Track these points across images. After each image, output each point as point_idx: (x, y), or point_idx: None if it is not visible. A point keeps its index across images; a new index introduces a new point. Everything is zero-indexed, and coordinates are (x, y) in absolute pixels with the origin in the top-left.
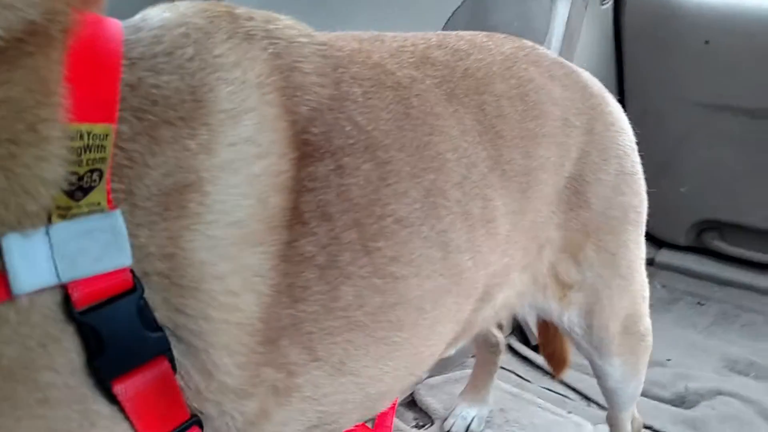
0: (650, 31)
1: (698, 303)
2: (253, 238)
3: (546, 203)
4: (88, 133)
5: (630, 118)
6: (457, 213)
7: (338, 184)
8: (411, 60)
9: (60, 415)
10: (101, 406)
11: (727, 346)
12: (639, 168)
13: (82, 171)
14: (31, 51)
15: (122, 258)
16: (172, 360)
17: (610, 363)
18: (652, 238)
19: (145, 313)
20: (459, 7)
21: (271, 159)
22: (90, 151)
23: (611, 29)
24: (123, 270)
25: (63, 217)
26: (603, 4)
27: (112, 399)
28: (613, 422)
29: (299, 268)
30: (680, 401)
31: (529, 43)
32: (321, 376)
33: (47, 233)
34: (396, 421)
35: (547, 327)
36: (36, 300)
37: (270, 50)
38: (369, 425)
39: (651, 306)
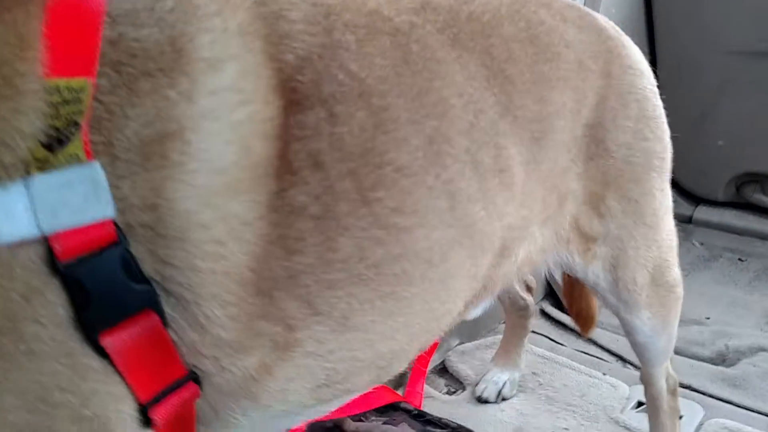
0: None
1: (738, 259)
2: (238, 186)
3: (564, 152)
4: (66, 87)
5: (663, 70)
6: (466, 161)
7: (330, 133)
8: (410, 6)
9: (47, 369)
10: (90, 360)
11: None
12: (661, 112)
13: (59, 124)
14: (8, 6)
15: (104, 209)
16: (162, 314)
17: (639, 316)
18: (689, 195)
19: (130, 265)
20: None
21: (254, 106)
22: (67, 105)
23: None
24: (106, 222)
25: (41, 169)
26: None
27: (102, 353)
28: (647, 380)
29: (291, 218)
30: (720, 359)
31: None
32: (324, 332)
33: (26, 185)
34: (427, 387)
35: (572, 285)
36: (18, 252)
37: None
38: (400, 392)
39: (690, 264)
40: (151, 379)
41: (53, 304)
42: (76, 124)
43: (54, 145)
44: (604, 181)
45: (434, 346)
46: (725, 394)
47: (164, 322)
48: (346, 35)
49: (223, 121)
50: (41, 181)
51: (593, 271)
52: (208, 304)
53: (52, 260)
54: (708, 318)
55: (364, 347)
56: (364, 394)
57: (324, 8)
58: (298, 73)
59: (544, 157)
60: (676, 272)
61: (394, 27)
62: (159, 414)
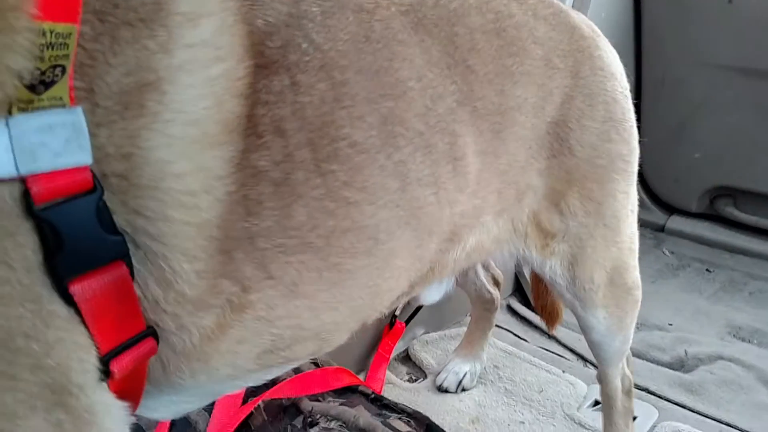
0: None
1: (706, 270)
2: (211, 139)
3: (524, 147)
4: (51, 31)
5: (647, 80)
6: (419, 145)
7: (292, 101)
8: None
9: (12, 313)
10: (57, 306)
11: (733, 312)
12: (631, 116)
13: (44, 66)
14: None
15: (83, 155)
16: (130, 267)
17: (594, 315)
18: (663, 204)
19: (104, 214)
20: None
21: (228, 63)
22: (52, 48)
23: None
24: (83, 169)
25: (23, 110)
26: None
27: (69, 300)
28: (602, 379)
29: (253, 180)
30: (679, 365)
31: None
32: (275, 296)
33: (7, 125)
34: (388, 374)
35: (539, 280)
36: None
37: None
38: (361, 376)
39: (658, 271)
40: (114, 331)
41: (24, 246)
42: (63, 68)
43: (38, 87)
44: (567, 179)
45: (399, 333)
46: (681, 399)
47: (132, 274)
48: (312, 6)
49: (199, 74)
50: (23, 120)
51: (550, 267)
52: (177, 257)
53: (27, 202)
54: (671, 324)
55: (310, 316)
56: (324, 375)
57: None
58: (267, 38)
59: (504, 150)
60: (635, 275)
61: (358, 4)
62: (117, 367)
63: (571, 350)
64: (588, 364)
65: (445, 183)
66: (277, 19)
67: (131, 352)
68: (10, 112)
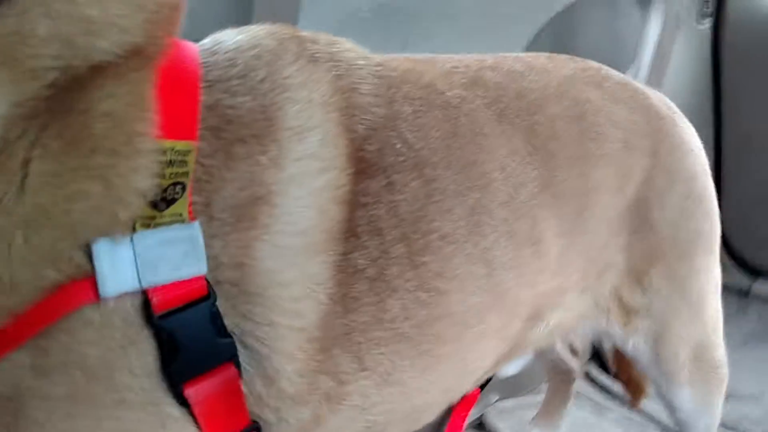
0: (754, 52)
1: None
2: (316, 247)
3: (606, 226)
4: (172, 149)
5: (728, 144)
6: (503, 231)
7: (389, 200)
8: (462, 81)
9: (135, 417)
10: (172, 409)
11: None
12: (711, 191)
13: (165, 184)
14: (134, 68)
15: (199, 266)
16: (238, 366)
17: (680, 393)
18: (748, 268)
19: (217, 319)
20: (542, 28)
21: (332, 173)
22: (173, 166)
23: (709, 50)
24: (199, 278)
25: (147, 226)
26: (701, 24)
27: (183, 402)
28: None
29: (352, 279)
30: None
31: (595, 65)
32: (369, 386)
33: (132, 240)
34: None
35: (622, 353)
36: (118, 304)
37: (333, 72)
38: None
39: (744, 337)
40: (223, 427)
41: (145, 354)
42: (183, 185)
43: (160, 204)
44: (649, 256)
45: (473, 401)
46: None
47: (240, 374)
48: (405, 107)
49: (307, 186)
50: (146, 236)
51: (633, 344)
52: (279, 358)
53: (147, 312)
54: (764, 393)
55: (402, 400)
56: None
57: (387, 80)
58: (366, 143)
59: (585, 230)
60: (720, 352)
61: (445, 101)
62: None
63: (656, 421)
64: None
65: (527, 266)
66: (374, 122)
67: None
68: (134, 229)
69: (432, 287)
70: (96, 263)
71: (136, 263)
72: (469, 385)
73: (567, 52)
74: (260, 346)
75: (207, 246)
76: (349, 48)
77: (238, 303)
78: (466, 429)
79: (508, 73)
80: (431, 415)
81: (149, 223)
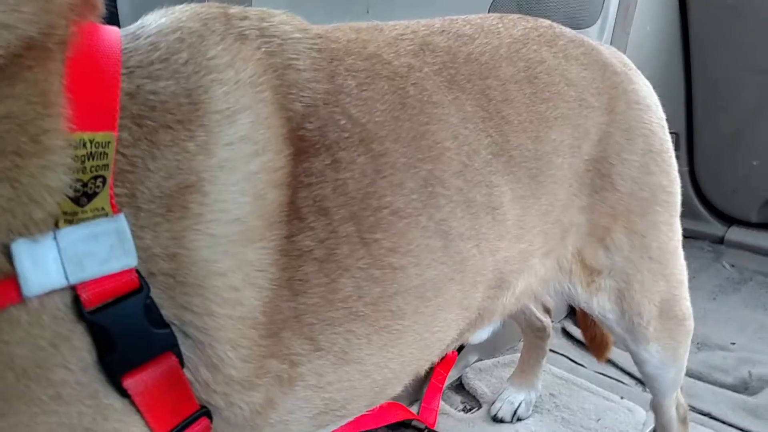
0: None
1: None
2: (253, 234)
3: (564, 187)
4: (91, 141)
5: (698, 88)
6: (458, 201)
7: (334, 179)
8: (410, 48)
9: (74, 411)
10: (113, 400)
11: None
12: (669, 146)
13: (86, 178)
14: (29, 65)
15: (128, 259)
16: (179, 355)
17: (647, 349)
18: (721, 215)
19: (151, 310)
20: None
21: (267, 156)
22: (93, 159)
23: None
24: (129, 270)
25: (70, 222)
26: None
27: (123, 393)
28: (656, 409)
29: (298, 262)
30: (743, 387)
31: (546, 23)
32: (324, 365)
33: (55, 238)
34: (442, 404)
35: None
36: (46, 302)
37: (263, 49)
38: (415, 407)
39: (718, 287)
40: (169, 415)
41: (79, 349)
42: (103, 178)
43: (81, 199)
44: (611, 214)
45: (451, 362)
46: (745, 424)
47: (181, 362)
48: (348, 80)
49: (239, 172)
50: (69, 233)
51: (598, 303)
52: (222, 347)
53: (78, 307)
54: (734, 343)
55: (361, 377)
56: (378, 410)
57: (328, 53)
58: (305, 121)
59: (543, 192)
60: (685, 306)
61: (392, 71)
62: None
63: (629, 374)
64: (646, 389)
65: (486, 233)
66: (314, 99)
67: None
68: (57, 225)
69: (385, 264)
70: (16, 263)
71: (62, 260)
72: (433, 356)
73: (532, 8)
74: (201, 335)
75: (137, 238)
76: (284, 20)
77: (176, 294)
78: (446, 390)
79: (457, 36)
80: (395, 388)
81: (71, 219)
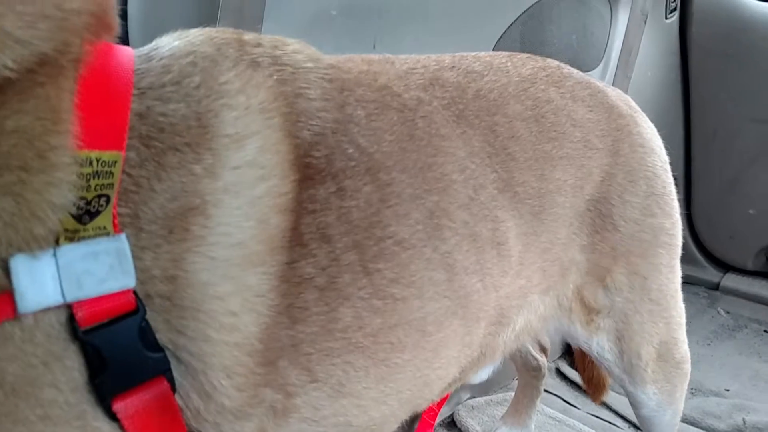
0: (719, 45)
1: (764, 331)
2: (254, 258)
3: (565, 225)
4: (97, 160)
5: (697, 137)
6: (464, 234)
7: (338, 207)
8: (419, 82)
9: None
10: (101, 423)
11: None
12: (671, 189)
13: (90, 196)
14: (42, 81)
15: (126, 280)
16: (171, 380)
17: (644, 391)
18: (717, 262)
19: (146, 333)
20: (512, 23)
21: (273, 181)
22: (98, 177)
23: (677, 43)
24: (126, 291)
25: (70, 239)
26: (668, 18)
27: (112, 417)
28: None
29: (298, 289)
30: None
31: (555, 63)
32: (320, 398)
33: (54, 255)
34: None
35: (584, 351)
36: (41, 319)
37: (275, 77)
38: None
39: (713, 333)
40: None
41: (71, 369)
42: (107, 197)
43: (84, 217)
44: (612, 254)
45: (444, 399)
46: None
47: (173, 388)
48: (357, 110)
49: (244, 196)
50: (69, 250)
51: (597, 343)
52: (216, 374)
53: (72, 326)
54: (728, 390)
55: (358, 413)
56: None
57: (338, 83)
58: (313, 149)
59: (544, 230)
60: (683, 349)
61: (402, 103)
62: None
63: (623, 417)
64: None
65: (491, 268)
66: (323, 127)
67: None
68: (57, 242)
69: (387, 294)
70: (13, 279)
71: (59, 277)
72: (433, 395)
73: (536, 49)
74: (195, 361)
75: (137, 258)
76: (297, 50)
77: (172, 317)
78: (437, 427)
79: (466, 73)
80: (390, 427)
81: (72, 236)
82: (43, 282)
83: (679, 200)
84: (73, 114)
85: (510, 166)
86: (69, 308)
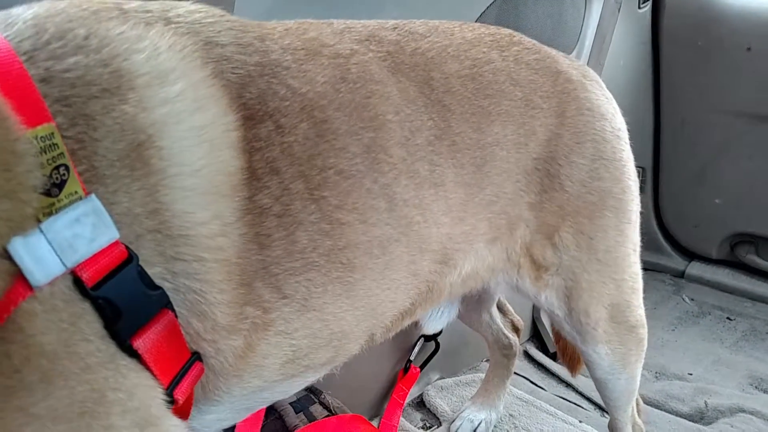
0: (690, 37)
1: (727, 318)
2: (218, 189)
3: (511, 181)
4: (37, 137)
5: (666, 127)
6: (402, 170)
7: (281, 142)
8: (355, 37)
9: (100, 377)
10: (127, 361)
11: (755, 363)
12: (623, 155)
13: (48, 171)
14: None
15: (111, 232)
16: (173, 310)
17: (596, 350)
18: (683, 250)
19: (144, 275)
20: (488, 7)
21: (211, 112)
22: (47, 152)
23: (649, 34)
24: (115, 243)
25: (49, 214)
26: (641, 8)
27: (133, 353)
28: (613, 426)
29: (261, 218)
30: (699, 416)
31: (507, 32)
32: (290, 312)
33: (41, 231)
34: (402, 420)
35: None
36: (53, 290)
37: (174, 28)
38: (375, 422)
39: (678, 319)
40: (170, 365)
41: (93, 321)
42: (65, 166)
43: (53, 190)
44: (559, 213)
45: (413, 379)
46: None
47: (176, 316)
48: (285, 56)
49: (185, 124)
50: (53, 223)
51: (546, 298)
52: (211, 289)
53: (82, 287)
54: (691, 374)
55: (321, 327)
56: (338, 423)
57: (258, 34)
58: (245, 90)
59: (488, 183)
60: (638, 314)
61: (334, 51)
62: (179, 394)
63: (588, 399)
64: (605, 414)
65: (430, 204)
66: (247, 70)
67: (187, 378)
68: (39, 220)
69: (334, 219)
70: (18, 261)
71: (54, 249)
72: (385, 317)
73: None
74: (193, 282)
75: (115, 204)
76: (192, 10)
77: (166, 247)
78: (407, 407)
79: (408, 33)
80: (351, 346)
81: (50, 210)
82: (42, 257)
83: (646, 190)
84: (6, 104)
85: (446, 116)
86: (72, 273)
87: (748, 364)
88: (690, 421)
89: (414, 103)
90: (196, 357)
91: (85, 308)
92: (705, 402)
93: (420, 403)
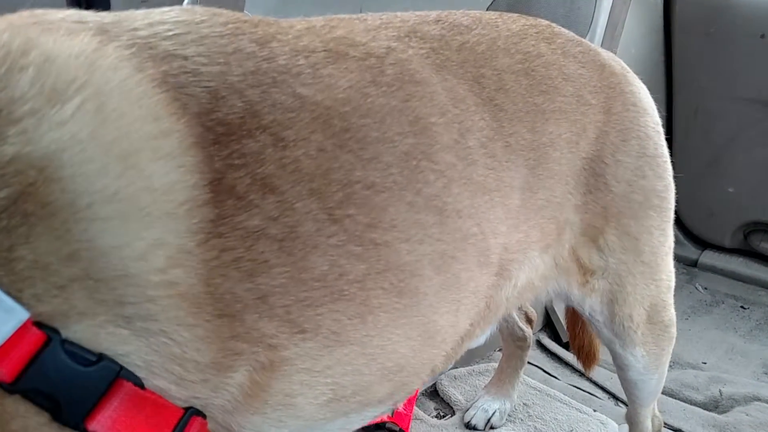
0: (703, 25)
1: (741, 306)
2: (152, 211)
3: (561, 183)
4: None
5: (679, 115)
6: (453, 177)
7: (279, 157)
8: (393, 34)
9: None
10: None
11: None
12: (663, 151)
13: None
14: None
15: (16, 315)
16: (131, 376)
17: (633, 353)
18: (696, 239)
19: (74, 353)
20: None
21: (124, 121)
22: None
23: (661, 21)
24: (25, 326)
25: None
26: None
27: None
28: (632, 419)
29: (246, 242)
30: (713, 405)
31: (545, 22)
32: (315, 348)
33: None
34: (416, 409)
35: (575, 319)
36: None
37: (107, 39)
38: (389, 413)
39: (691, 308)
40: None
41: (27, 417)
42: None
43: None
44: (604, 215)
45: None
46: None
47: (137, 383)
48: (299, 60)
49: (89, 144)
50: None
51: (590, 305)
52: (176, 328)
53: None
54: (705, 363)
55: (366, 362)
56: None
57: (259, 36)
58: (222, 105)
59: (541, 186)
60: (671, 312)
61: (365, 51)
62: None
63: (603, 388)
64: (620, 403)
65: (486, 213)
66: (225, 83)
67: None
68: None
69: (366, 240)
70: None
71: None
72: (447, 345)
73: None
74: (150, 323)
75: (15, 261)
76: (156, 21)
77: (103, 293)
78: (420, 395)
79: (452, 26)
80: (412, 379)
81: None
82: None
83: None
84: None
85: (499, 116)
86: None
87: (762, 352)
88: (704, 409)
89: (463, 102)
90: (192, 411)
91: (15, 404)
92: (720, 390)
93: (434, 393)
